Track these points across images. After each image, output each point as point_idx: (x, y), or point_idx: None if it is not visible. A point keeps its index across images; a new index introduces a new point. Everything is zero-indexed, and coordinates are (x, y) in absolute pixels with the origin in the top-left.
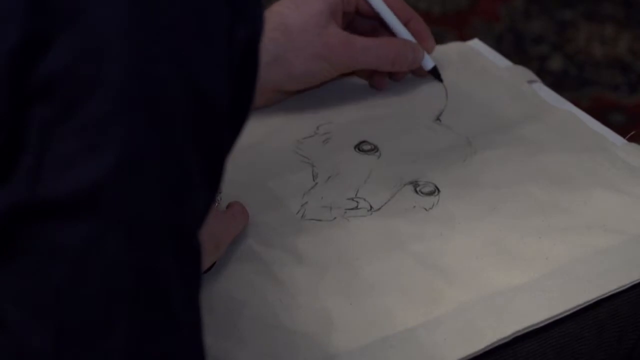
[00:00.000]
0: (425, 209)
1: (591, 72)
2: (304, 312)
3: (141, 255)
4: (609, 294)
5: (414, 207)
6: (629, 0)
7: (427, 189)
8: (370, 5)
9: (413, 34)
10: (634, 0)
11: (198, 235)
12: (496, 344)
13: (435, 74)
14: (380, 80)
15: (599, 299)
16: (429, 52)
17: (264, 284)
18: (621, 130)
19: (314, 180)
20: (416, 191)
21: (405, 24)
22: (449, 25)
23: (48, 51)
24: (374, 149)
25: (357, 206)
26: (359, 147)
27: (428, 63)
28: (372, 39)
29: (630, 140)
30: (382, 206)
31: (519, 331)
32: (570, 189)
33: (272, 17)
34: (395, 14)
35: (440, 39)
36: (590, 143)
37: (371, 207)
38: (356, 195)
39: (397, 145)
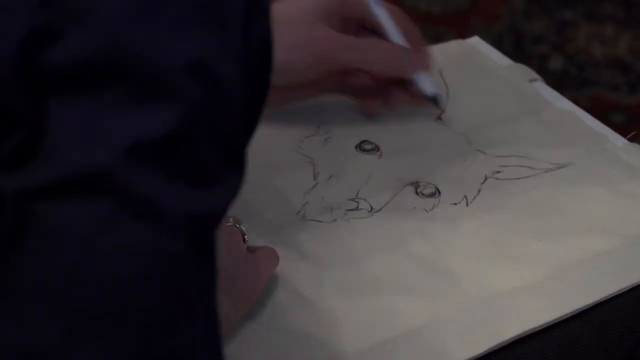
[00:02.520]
0: (426, 211)
1: (591, 72)
2: (307, 314)
3: (152, 240)
4: (610, 296)
5: (415, 208)
6: (629, 0)
7: (427, 191)
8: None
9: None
10: (634, 0)
11: (215, 231)
12: (497, 347)
13: (435, 102)
14: (372, 104)
15: (600, 301)
16: (424, 66)
17: (267, 286)
18: (621, 130)
19: (314, 180)
20: (417, 192)
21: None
22: (449, 25)
23: (58, 42)
24: (375, 148)
25: (357, 207)
26: (360, 146)
27: (429, 88)
28: (364, 38)
29: (631, 140)
30: (382, 207)
31: (519, 334)
32: (571, 190)
33: None
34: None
35: (440, 39)
36: (591, 143)
37: (372, 208)
38: (357, 195)
39: (398, 144)
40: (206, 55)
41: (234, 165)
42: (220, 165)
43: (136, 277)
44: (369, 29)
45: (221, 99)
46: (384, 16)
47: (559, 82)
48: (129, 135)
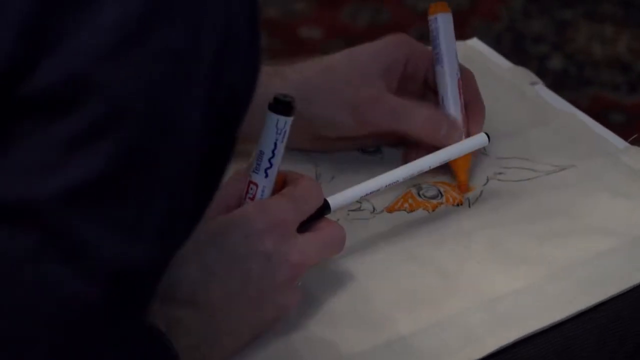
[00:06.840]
0: (428, 213)
1: (591, 71)
2: (304, 316)
3: (68, 281)
4: (611, 297)
5: (417, 210)
6: (629, 0)
7: (430, 193)
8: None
9: (467, 115)
10: (634, 0)
11: (148, 278)
12: (498, 350)
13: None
14: (414, 155)
15: (600, 302)
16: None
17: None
18: (621, 130)
19: (317, 180)
20: (419, 194)
21: (465, 104)
22: None
23: (34, 74)
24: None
25: (360, 207)
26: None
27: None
28: (408, 102)
29: (632, 143)
30: (384, 209)
31: (520, 337)
32: (572, 192)
33: (321, 60)
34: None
35: None
36: (592, 146)
37: (374, 209)
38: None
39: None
40: (164, 100)
41: (176, 223)
42: (162, 219)
43: (44, 316)
44: (431, 87)
45: (172, 145)
46: (445, 80)
47: (559, 82)
48: (69, 176)
